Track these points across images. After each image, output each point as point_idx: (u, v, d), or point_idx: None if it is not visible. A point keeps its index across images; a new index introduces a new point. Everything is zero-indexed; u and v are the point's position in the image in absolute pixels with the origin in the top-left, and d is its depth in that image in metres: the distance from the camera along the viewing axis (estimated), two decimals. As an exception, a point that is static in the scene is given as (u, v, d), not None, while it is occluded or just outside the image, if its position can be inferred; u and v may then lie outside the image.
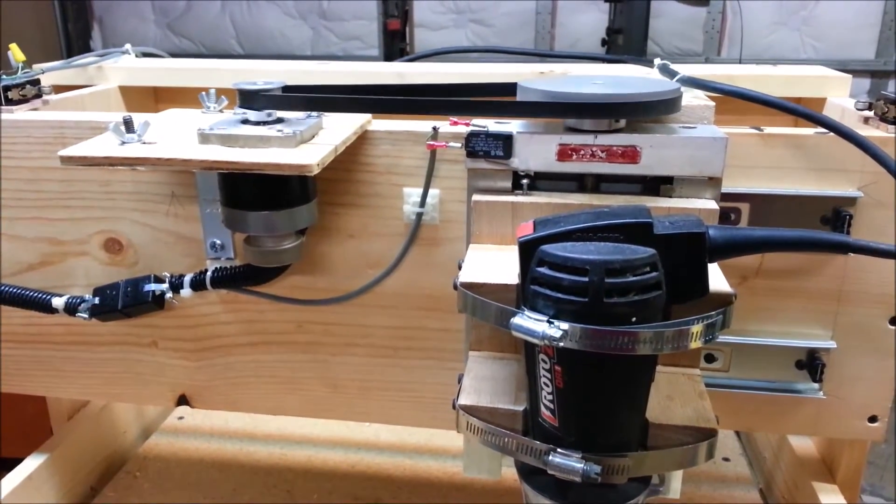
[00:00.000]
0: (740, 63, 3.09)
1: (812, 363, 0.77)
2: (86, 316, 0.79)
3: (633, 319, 0.42)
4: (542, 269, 0.44)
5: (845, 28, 3.13)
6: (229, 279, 0.77)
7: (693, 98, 0.69)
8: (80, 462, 1.02)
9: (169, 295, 0.78)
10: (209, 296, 0.81)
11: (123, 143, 0.64)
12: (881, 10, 3.09)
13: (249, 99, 0.66)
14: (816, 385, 0.79)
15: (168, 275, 0.78)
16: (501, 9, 3.36)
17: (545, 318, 0.43)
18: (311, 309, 0.80)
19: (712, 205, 0.58)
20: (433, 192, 0.73)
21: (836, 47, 3.15)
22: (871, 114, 0.78)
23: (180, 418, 1.17)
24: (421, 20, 3.29)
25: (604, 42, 3.07)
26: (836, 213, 0.72)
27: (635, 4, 2.69)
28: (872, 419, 0.80)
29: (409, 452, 1.08)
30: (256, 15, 3.52)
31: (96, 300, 0.79)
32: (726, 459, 1.08)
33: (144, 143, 0.64)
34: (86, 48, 3.72)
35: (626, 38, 2.78)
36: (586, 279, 0.42)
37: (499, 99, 0.63)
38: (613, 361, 0.43)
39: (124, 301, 0.78)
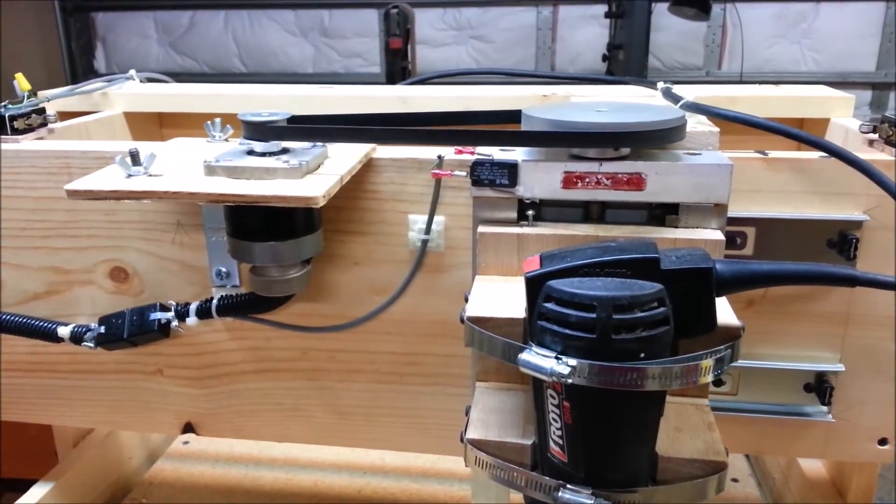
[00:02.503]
0: (741, 76, 3.10)
1: (820, 386, 0.77)
2: (91, 345, 0.79)
3: (642, 355, 0.42)
4: (550, 305, 0.44)
5: (845, 40, 3.14)
6: (235, 307, 0.77)
7: (697, 124, 0.69)
8: (86, 489, 1.02)
9: (175, 323, 0.78)
10: (214, 323, 0.81)
11: (129, 175, 0.64)
12: (881, 21, 3.10)
13: (255, 131, 0.66)
14: (825, 408, 0.78)
15: (174, 303, 0.78)
16: (501, 24, 3.38)
17: (553, 355, 0.43)
18: (317, 336, 0.80)
19: (718, 235, 0.58)
20: (438, 219, 0.73)
21: (837, 59, 3.16)
22: (875, 136, 0.78)
23: (185, 443, 1.16)
24: (422, 37, 3.31)
25: (604, 57, 3.08)
26: (842, 237, 0.72)
27: (636, 20, 2.70)
28: (882, 441, 0.80)
29: (415, 476, 1.07)
30: (259, 33, 3.54)
31: (102, 329, 0.79)
32: (735, 480, 1.08)
33: (151, 175, 0.64)
34: (89, 66, 3.74)
35: (626, 54, 2.79)
36: (594, 315, 0.42)
37: (503, 129, 0.63)
38: (622, 397, 0.43)
39: (130, 330, 0.78)
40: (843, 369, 0.76)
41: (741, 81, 3.09)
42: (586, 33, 3.30)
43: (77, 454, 1.02)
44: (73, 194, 0.61)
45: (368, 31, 3.44)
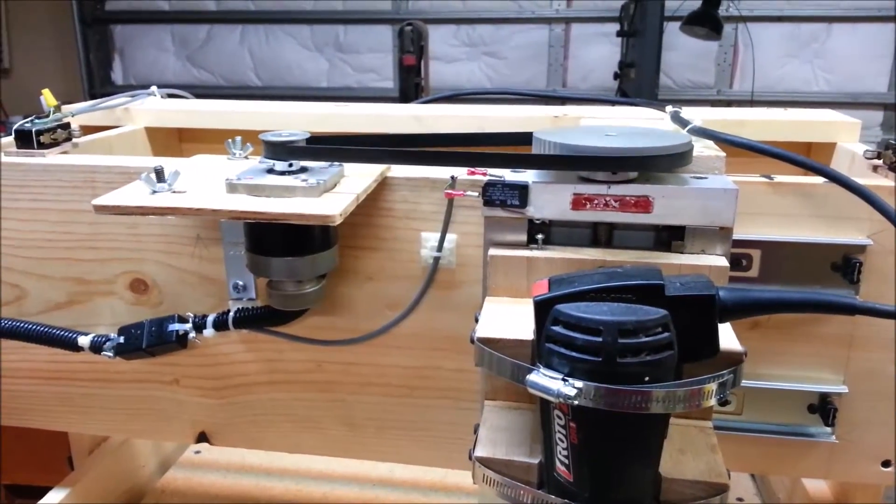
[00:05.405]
0: (752, 96, 3.11)
1: (824, 407, 0.78)
2: (110, 354, 0.80)
3: (646, 379, 0.44)
4: (557, 328, 0.45)
5: (857, 60, 3.15)
6: (251, 320, 0.79)
7: (704, 148, 0.70)
8: (100, 496, 1.03)
9: (192, 335, 0.80)
10: (230, 335, 0.83)
11: (154, 192, 0.66)
12: (892, 42, 3.11)
13: (276, 151, 0.68)
14: (829, 429, 0.79)
15: (191, 315, 0.80)
16: (514, 42, 3.41)
17: (560, 376, 0.44)
18: (330, 349, 0.82)
19: (723, 262, 0.59)
20: (450, 237, 0.75)
21: (848, 80, 3.17)
22: (879, 162, 0.79)
23: (197, 452, 1.18)
24: (435, 53, 3.34)
25: (616, 75, 3.10)
26: (846, 260, 0.74)
27: (647, 38, 2.72)
28: (886, 464, 0.80)
29: (424, 490, 1.08)
30: (274, 47, 3.59)
31: (121, 339, 0.81)
32: (740, 499, 1.08)
33: (174, 192, 0.66)
34: (107, 78, 3.80)
35: (638, 72, 2.80)
36: (600, 339, 0.43)
37: (515, 152, 0.65)
38: (627, 419, 0.45)
39: (148, 340, 0.80)
40: (847, 391, 0.77)
41: (752, 101, 3.11)
42: (598, 51, 3.33)
43: (92, 462, 1.04)
44: (101, 209, 0.64)
45: (382, 47, 3.48)
